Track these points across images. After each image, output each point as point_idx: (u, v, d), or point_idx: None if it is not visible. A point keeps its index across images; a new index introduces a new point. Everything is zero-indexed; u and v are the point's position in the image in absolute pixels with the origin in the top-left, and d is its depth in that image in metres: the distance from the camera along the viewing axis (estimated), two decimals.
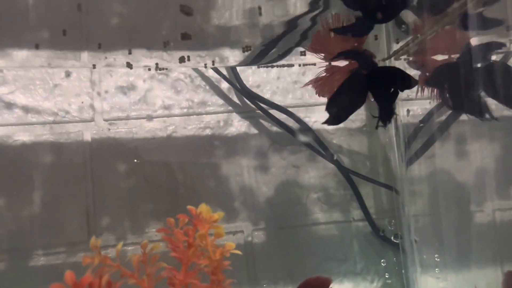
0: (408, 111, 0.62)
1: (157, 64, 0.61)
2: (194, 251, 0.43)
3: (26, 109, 0.64)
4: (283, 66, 0.67)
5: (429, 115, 0.62)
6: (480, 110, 0.54)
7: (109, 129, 0.66)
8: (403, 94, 0.67)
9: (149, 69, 0.65)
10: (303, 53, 0.65)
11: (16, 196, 0.62)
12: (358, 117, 0.73)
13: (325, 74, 0.61)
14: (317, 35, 0.61)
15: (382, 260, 0.67)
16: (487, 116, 0.54)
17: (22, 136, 0.64)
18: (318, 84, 0.64)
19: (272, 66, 0.66)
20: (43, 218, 0.63)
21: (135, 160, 0.65)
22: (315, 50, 0.61)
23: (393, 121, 0.66)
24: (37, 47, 0.60)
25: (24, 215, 0.62)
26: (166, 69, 0.65)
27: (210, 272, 0.43)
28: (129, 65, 0.60)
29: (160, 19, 0.62)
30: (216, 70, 0.68)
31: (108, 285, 0.40)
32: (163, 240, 0.47)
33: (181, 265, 0.47)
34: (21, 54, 0.61)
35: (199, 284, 0.42)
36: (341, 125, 0.72)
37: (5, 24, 0.59)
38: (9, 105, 0.64)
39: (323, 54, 0.61)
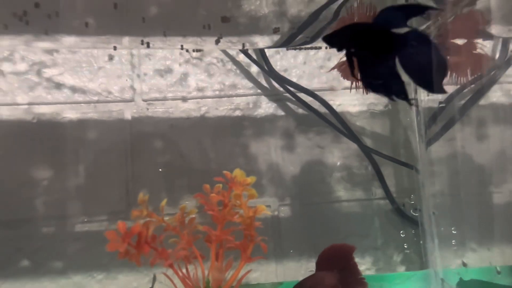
0: (428, 93, 0.65)
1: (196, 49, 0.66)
2: (229, 210, 0.47)
3: (73, 89, 0.70)
4: (311, 48, 0.71)
5: (449, 98, 0.65)
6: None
7: (148, 109, 0.72)
8: None
9: (187, 50, 0.70)
10: None
11: (63, 168, 0.68)
12: (381, 100, 0.77)
13: None
14: (341, 21, 0.64)
15: (401, 232, 0.70)
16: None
17: (70, 114, 0.70)
18: (342, 68, 0.67)
19: (300, 49, 0.70)
20: (87, 189, 0.69)
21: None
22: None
23: (414, 103, 0.69)
24: (82, 32, 0.66)
25: (71, 185, 0.68)
26: (202, 50, 0.70)
27: (244, 229, 0.47)
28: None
29: (196, 5, 0.67)
30: (246, 54, 0.72)
31: (153, 237, 0.46)
32: (200, 205, 0.52)
33: (216, 227, 0.52)
34: (69, 39, 0.67)
35: (233, 240, 0.47)
36: (364, 107, 0.76)
37: (55, 12, 0.65)
38: (59, 85, 0.70)
39: None
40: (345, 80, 0.68)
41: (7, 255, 0.65)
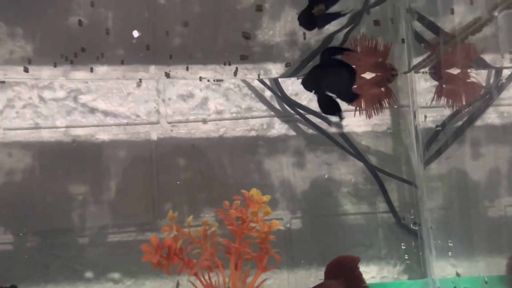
0: (425, 116, 0.72)
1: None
2: (247, 225, 0.54)
3: (105, 113, 0.78)
4: None
5: (446, 121, 0.72)
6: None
7: (172, 130, 0.79)
8: (422, 102, 0.76)
9: (208, 81, 0.78)
10: None
11: (96, 183, 0.76)
12: (384, 122, 0.83)
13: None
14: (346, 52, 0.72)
15: (402, 244, 0.77)
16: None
17: (102, 135, 0.78)
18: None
19: None
20: (117, 203, 0.76)
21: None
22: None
23: (413, 125, 0.76)
24: (113, 63, 0.74)
25: (103, 199, 0.76)
26: (222, 80, 0.78)
27: (260, 243, 0.54)
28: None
29: (215, 38, 0.75)
30: (261, 81, 0.80)
31: (181, 249, 0.53)
32: (219, 219, 0.59)
33: (234, 240, 0.59)
34: (102, 69, 0.75)
35: (250, 252, 0.54)
36: (369, 128, 0.83)
37: (90, 45, 0.73)
38: (92, 110, 0.78)
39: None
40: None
41: (46, 262, 0.73)
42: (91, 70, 0.74)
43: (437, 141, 0.72)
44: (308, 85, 0.67)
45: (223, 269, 0.57)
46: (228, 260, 0.58)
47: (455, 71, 0.68)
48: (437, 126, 0.70)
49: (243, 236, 0.55)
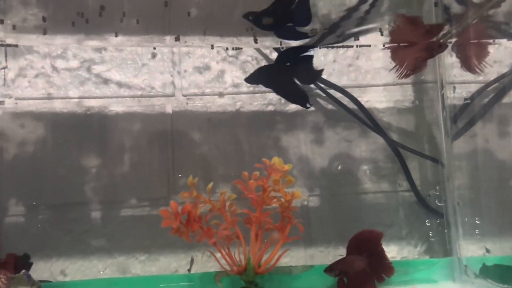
0: (454, 88, 0.69)
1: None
2: (268, 194, 0.52)
3: (119, 84, 0.76)
4: (342, 47, 0.75)
5: (474, 95, 0.69)
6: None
7: (187, 103, 0.77)
8: (449, 77, 0.73)
9: (227, 49, 0.75)
10: (357, 38, 0.73)
11: (110, 157, 0.74)
12: (407, 97, 0.80)
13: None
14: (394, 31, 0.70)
15: (426, 221, 0.74)
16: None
17: (116, 107, 0.76)
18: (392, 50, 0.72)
19: (332, 47, 0.75)
20: (132, 177, 0.74)
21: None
22: (395, 41, 0.70)
23: (440, 100, 0.73)
24: (128, 33, 0.72)
25: (117, 173, 0.74)
26: (241, 49, 0.75)
27: (281, 212, 0.52)
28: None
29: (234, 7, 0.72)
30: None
31: (199, 217, 0.51)
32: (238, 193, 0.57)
33: (254, 211, 0.57)
34: (116, 39, 0.73)
35: (271, 222, 0.52)
36: (391, 104, 0.80)
37: (105, 16, 0.70)
38: (106, 81, 0.76)
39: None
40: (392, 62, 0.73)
41: (59, 235, 0.71)
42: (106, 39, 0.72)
43: (464, 117, 0.69)
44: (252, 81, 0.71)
45: (243, 240, 0.54)
46: (248, 232, 0.56)
47: (479, 42, 0.65)
48: (465, 99, 0.67)
49: (263, 206, 0.53)
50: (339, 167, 0.78)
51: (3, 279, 0.51)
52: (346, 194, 0.78)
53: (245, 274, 0.54)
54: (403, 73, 0.67)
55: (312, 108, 0.79)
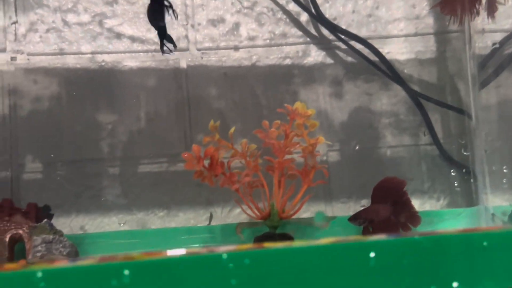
0: (482, 31, 0.66)
1: None
2: (291, 139, 0.50)
3: (132, 39, 0.74)
4: None
5: (503, 41, 0.66)
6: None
7: (202, 58, 0.75)
8: (478, 25, 0.70)
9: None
10: None
11: (125, 113, 0.73)
12: (428, 48, 0.77)
13: None
14: None
15: (451, 171, 0.72)
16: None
17: (130, 62, 0.74)
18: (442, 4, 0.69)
19: None
20: (148, 132, 0.73)
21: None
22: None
23: (467, 47, 0.70)
24: None
25: (133, 129, 0.73)
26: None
27: (305, 157, 0.50)
28: None
29: None
30: (297, 1, 0.74)
31: (222, 164, 0.49)
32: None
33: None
34: None
35: (295, 167, 0.50)
36: (412, 55, 0.77)
37: None
38: (119, 35, 0.74)
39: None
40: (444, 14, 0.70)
41: (77, 192, 0.71)
42: None
43: (492, 63, 0.66)
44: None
45: (266, 186, 0.53)
46: (270, 180, 0.55)
47: None
48: (493, 43, 0.64)
49: (286, 152, 0.52)
50: (359, 122, 0.76)
51: (25, 228, 0.51)
52: (366, 149, 0.76)
53: (269, 219, 0.53)
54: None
55: (331, 61, 0.77)
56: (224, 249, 0.25)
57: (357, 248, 0.26)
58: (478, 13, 0.62)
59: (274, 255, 0.25)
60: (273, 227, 0.53)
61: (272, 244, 0.26)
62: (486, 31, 0.67)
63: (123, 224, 0.70)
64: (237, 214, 0.71)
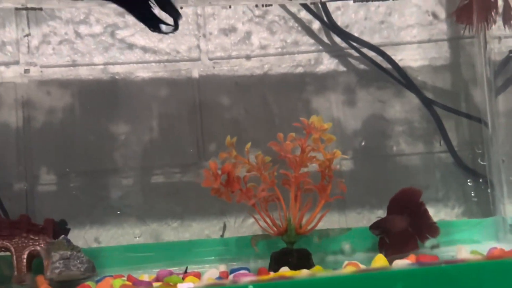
0: (499, 39, 0.65)
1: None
2: (307, 154, 0.50)
3: (144, 49, 0.74)
4: (375, 0, 0.71)
5: None
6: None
7: (214, 67, 0.75)
8: (493, 31, 0.69)
9: (256, 6, 0.72)
10: None
11: (138, 123, 0.73)
12: (442, 55, 0.77)
13: None
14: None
15: (468, 180, 0.72)
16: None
17: (142, 73, 0.74)
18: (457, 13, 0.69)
19: (367, 0, 0.71)
20: (161, 143, 0.73)
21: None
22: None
23: (483, 54, 0.69)
24: None
25: (146, 139, 0.73)
26: (271, 5, 0.72)
27: (321, 171, 0.50)
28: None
29: None
30: (309, 10, 0.74)
31: (238, 179, 0.49)
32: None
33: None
34: None
35: (311, 182, 0.50)
36: (426, 62, 0.76)
37: None
38: (131, 46, 0.74)
39: None
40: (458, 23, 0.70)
41: (91, 202, 0.71)
42: None
43: (508, 69, 0.65)
44: None
45: (283, 200, 0.53)
46: (286, 194, 0.54)
47: None
48: (510, 51, 0.63)
49: (302, 166, 0.51)
50: (372, 129, 0.75)
51: (42, 244, 0.51)
52: (380, 157, 0.75)
53: (286, 235, 0.52)
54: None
55: (343, 68, 0.76)
56: (246, 280, 0.25)
57: (383, 278, 0.26)
58: (494, 22, 0.61)
59: (298, 286, 0.25)
60: (290, 243, 0.52)
61: (295, 274, 0.25)
62: (502, 36, 0.66)
63: (138, 237, 0.70)
64: (251, 224, 0.71)
